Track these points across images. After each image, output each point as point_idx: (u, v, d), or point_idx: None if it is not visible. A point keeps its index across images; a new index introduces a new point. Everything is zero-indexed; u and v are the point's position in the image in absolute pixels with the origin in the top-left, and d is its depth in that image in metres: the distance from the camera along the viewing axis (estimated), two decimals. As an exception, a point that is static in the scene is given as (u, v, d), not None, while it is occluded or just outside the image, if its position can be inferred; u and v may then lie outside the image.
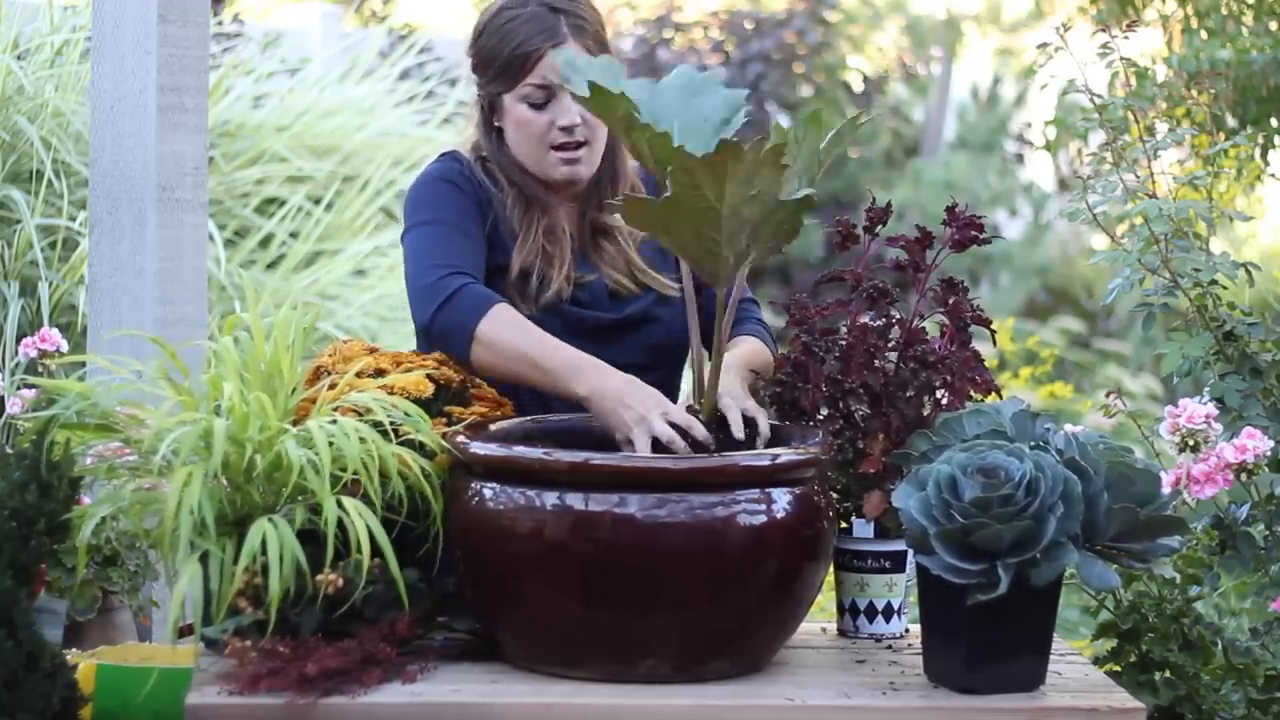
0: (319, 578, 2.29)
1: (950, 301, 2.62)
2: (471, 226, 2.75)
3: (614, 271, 2.83)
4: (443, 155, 2.86)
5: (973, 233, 2.62)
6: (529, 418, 2.63)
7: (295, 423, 2.41)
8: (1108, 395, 2.91)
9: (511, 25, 2.76)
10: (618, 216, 2.80)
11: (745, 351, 2.73)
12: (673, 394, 2.83)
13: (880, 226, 2.63)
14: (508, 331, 2.60)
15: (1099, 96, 3.00)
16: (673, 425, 2.47)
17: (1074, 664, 2.51)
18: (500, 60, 2.77)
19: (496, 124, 2.83)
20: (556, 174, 2.79)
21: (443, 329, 2.62)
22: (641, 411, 2.49)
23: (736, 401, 2.55)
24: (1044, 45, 3.06)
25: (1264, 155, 4.84)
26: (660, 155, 2.39)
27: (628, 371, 2.58)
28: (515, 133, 2.80)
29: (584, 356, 2.57)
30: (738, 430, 2.51)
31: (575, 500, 2.33)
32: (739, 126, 2.53)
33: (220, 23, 6.31)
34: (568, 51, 2.68)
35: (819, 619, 2.79)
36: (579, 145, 2.78)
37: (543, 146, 2.78)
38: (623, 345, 2.76)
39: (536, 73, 2.75)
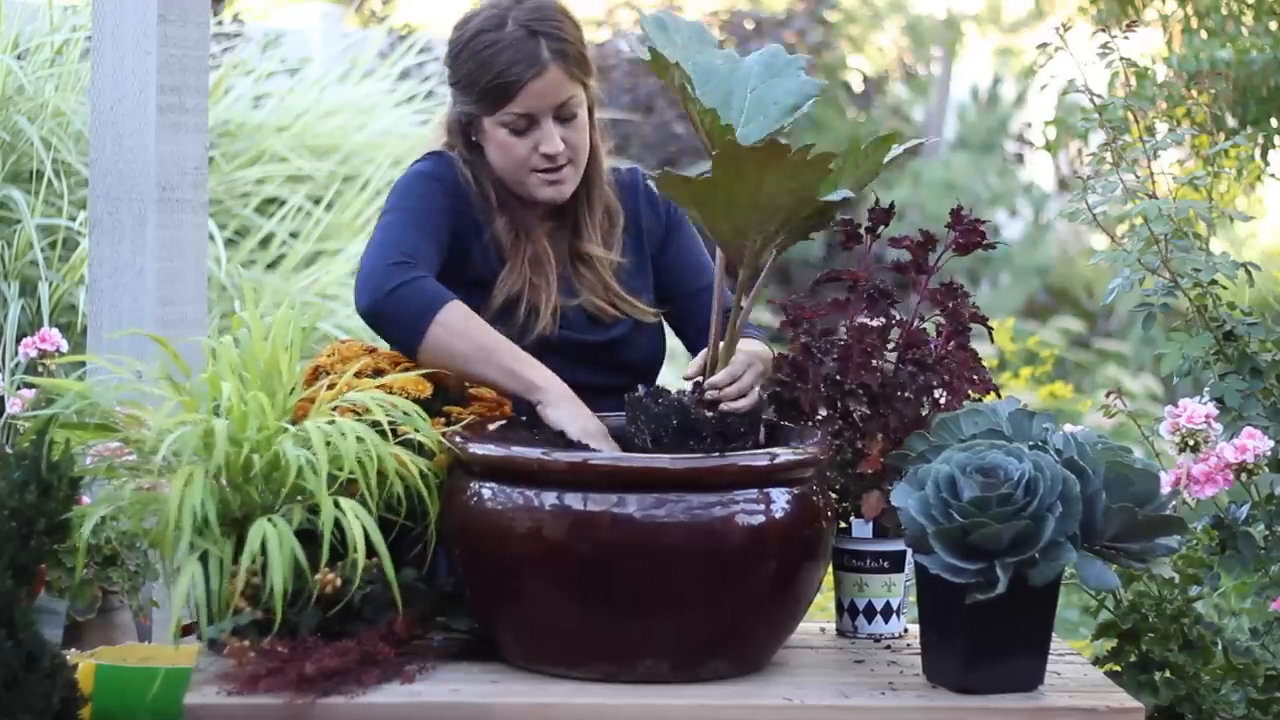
0: (317, 578, 2.29)
1: (950, 305, 2.62)
2: (439, 223, 2.72)
3: (594, 298, 2.81)
4: (432, 153, 2.82)
5: (976, 237, 2.63)
6: (528, 417, 2.63)
7: (294, 422, 2.41)
8: (1108, 395, 2.91)
9: (491, 51, 2.70)
10: (596, 244, 2.81)
11: (759, 348, 2.70)
12: None
13: (883, 227, 2.64)
14: (468, 320, 2.59)
15: (1099, 96, 3.00)
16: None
17: (1073, 664, 2.51)
18: (480, 86, 2.71)
19: (475, 139, 2.79)
20: (539, 195, 2.77)
21: (396, 312, 2.58)
22: (589, 423, 2.54)
23: (743, 352, 2.55)
24: (1044, 45, 3.06)
25: (1264, 155, 4.84)
26: (710, 130, 2.41)
27: (606, 392, 2.61)
28: (495, 154, 2.76)
29: (534, 359, 2.60)
30: (736, 366, 2.52)
31: (574, 500, 2.33)
32: (803, 114, 2.55)
33: (220, 23, 6.30)
34: (554, 76, 2.68)
35: (818, 619, 2.79)
36: (563, 167, 2.75)
37: (524, 169, 2.75)
38: (601, 367, 2.76)
39: (519, 102, 2.70)
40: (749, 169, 2.33)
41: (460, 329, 2.58)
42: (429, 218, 2.71)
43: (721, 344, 2.54)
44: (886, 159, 2.45)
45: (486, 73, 2.70)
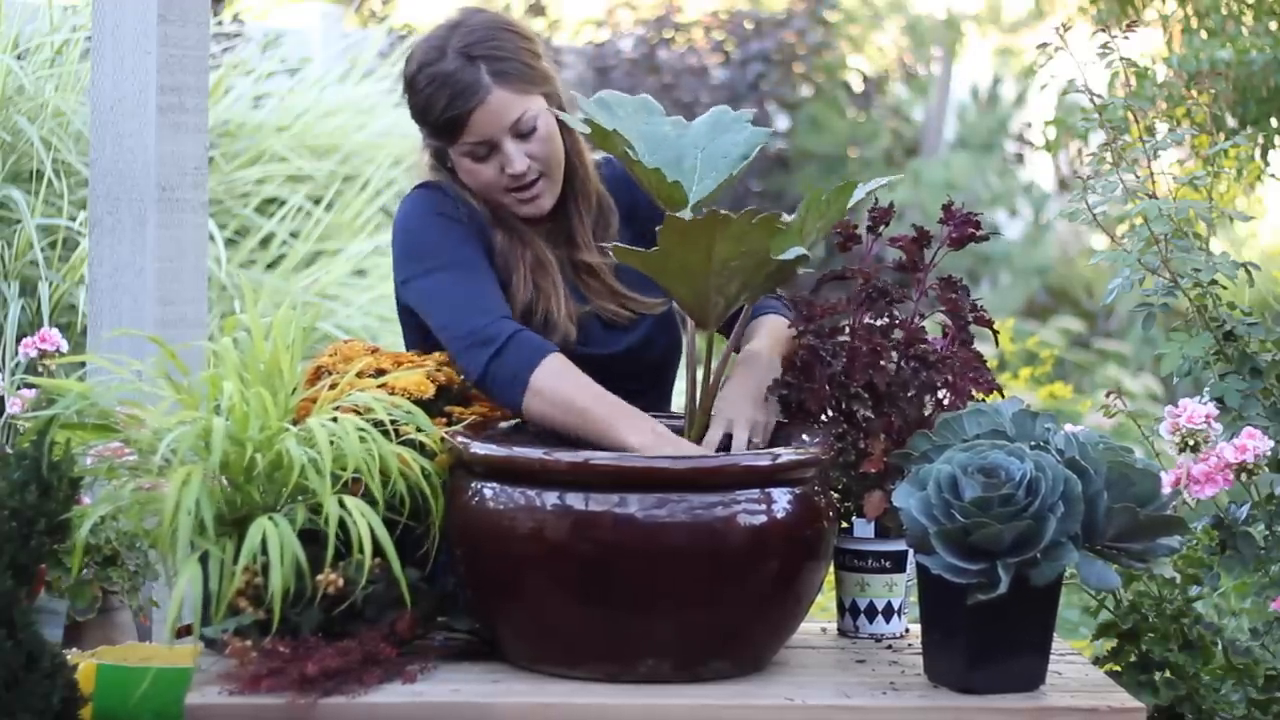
0: (319, 577, 2.29)
1: (951, 299, 2.62)
2: (482, 260, 2.69)
3: (603, 302, 2.79)
4: (419, 187, 2.79)
5: (970, 230, 2.63)
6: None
7: (295, 422, 2.41)
8: (1108, 395, 2.91)
9: (433, 88, 2.67)
10: (593, 252, 2.80)
11: (764, 346, 2.70)
12: (665, 400, 2.89)
13: (883, 227, 2.64)
14: (560, 381, 2.54)
15: (1099, 96, 3.00)
16: None
17: (1074, 664, 2.51)
18: (431, 122, 2.70)
19: (449, 166, 2.77)
20: (520, 212, 2.75)
21: (496, 378, 2.55)
22: None
23: (721, 414, 2.57)
24: (1044, 45, 3.06)
25: (1264, 155, 4.84)
26: (659, 191, 2.49)
27: (629, 394, 2.57)
28: (468, 179, 2.74)
29: (634, 410, 2.53)
30: (711, 447, 2.55)
31: (575, 500, 2.33)
32: (751, 159, 2.62)
33: (220, 23, 6.30)
34: (498, 99, 2.65)
35: (819, 619, 2.79)
36: (534, 182, 2.73)
37: (497, 191, 2.73)
38: (625, 374, 2.72)
39: (470, 132, 2.68)
40: (697, 238, 2.37)
41: (551, 394, 2.53)
42: (468, 257, 2.68)
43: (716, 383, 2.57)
44: (849, 204, 2.49)
45: (434, 109, 2.69)
